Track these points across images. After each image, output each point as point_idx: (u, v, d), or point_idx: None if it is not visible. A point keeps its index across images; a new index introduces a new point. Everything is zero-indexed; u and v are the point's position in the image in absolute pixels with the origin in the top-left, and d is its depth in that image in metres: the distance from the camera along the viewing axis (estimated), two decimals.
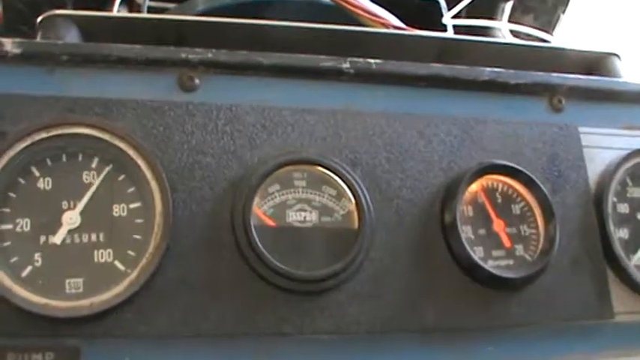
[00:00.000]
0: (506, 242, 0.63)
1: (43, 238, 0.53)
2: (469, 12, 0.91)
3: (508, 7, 1.01)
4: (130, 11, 0.85)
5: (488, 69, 0.69)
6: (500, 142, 0.66)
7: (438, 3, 0.89)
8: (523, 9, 1.10)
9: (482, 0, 0.91)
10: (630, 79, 0.77)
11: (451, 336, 0.60)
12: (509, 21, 1.03)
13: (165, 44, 0.62)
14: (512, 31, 0.96)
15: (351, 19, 0.80)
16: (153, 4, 0.84)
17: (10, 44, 0.57)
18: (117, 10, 0.79)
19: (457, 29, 0.88)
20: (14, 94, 0.56)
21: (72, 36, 0.64)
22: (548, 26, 1.11)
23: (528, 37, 0.92)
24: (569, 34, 1.19)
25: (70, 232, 0.54)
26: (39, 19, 0.65)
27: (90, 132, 0.56)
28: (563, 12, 1.11)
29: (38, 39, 0.64)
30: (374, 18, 0.80)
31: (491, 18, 0.99)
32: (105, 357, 0.53)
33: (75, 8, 0.72)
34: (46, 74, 0.58)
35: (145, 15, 0.78)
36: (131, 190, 0.56)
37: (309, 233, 0.58)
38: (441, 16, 0.87)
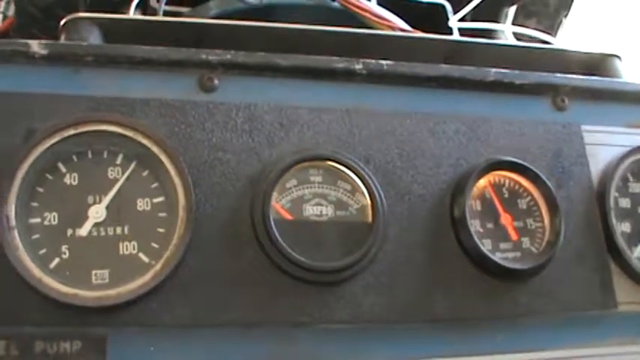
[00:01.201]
0: (513, 235, 0.65)
1: (70, 231, 0.55)
2: (474, 16, 0.93)
3: (511, 11, 1.03)
4: (145, 14, 0.87)
5: (494, 70, 0.71)
6: (506, 140, 0.69)
7: (444, 7, 0.91)
8: (526, 13, 1.12)
9: (487, 4, 0.92)
10: (631, 80, 0.79)
11: (461, 325, 0.62)
12: (513, 24, 1.05)
13: (183, 46, 0.64)
14: (515, 34, 0.98)
15: (360, 22, 0.82)
16: (167, 8, 0.86)
17: (37, 46, 0.59)
18: (133, 14, 0.81)
19: (462, 32, 0.90)
20: (41, 93, 0.58)
21: (94, 37, 0.66)
22: (551, 30, 1.12)
23: (531, 39, 0.94)
24: (570, 36, 1.21)
25: (96, 225, 0.56)
26: (62, 21, 0.66)
27: (115, 129, 0.58)
28: (566, 16, 1.12)
29: (62, 40, 0.66)
30: (382, 21, 0.82)
31: (494, 22, 1.02)
32: (130, 345, 0.54)
33: (89, 12, 0.74)
34: (72, 74, 0.60)
35: (165, 18, 0.80)
36: (155, 185, 0.58)
37: (325, 226, 0.60)
38: (447, 19, 0.89)
